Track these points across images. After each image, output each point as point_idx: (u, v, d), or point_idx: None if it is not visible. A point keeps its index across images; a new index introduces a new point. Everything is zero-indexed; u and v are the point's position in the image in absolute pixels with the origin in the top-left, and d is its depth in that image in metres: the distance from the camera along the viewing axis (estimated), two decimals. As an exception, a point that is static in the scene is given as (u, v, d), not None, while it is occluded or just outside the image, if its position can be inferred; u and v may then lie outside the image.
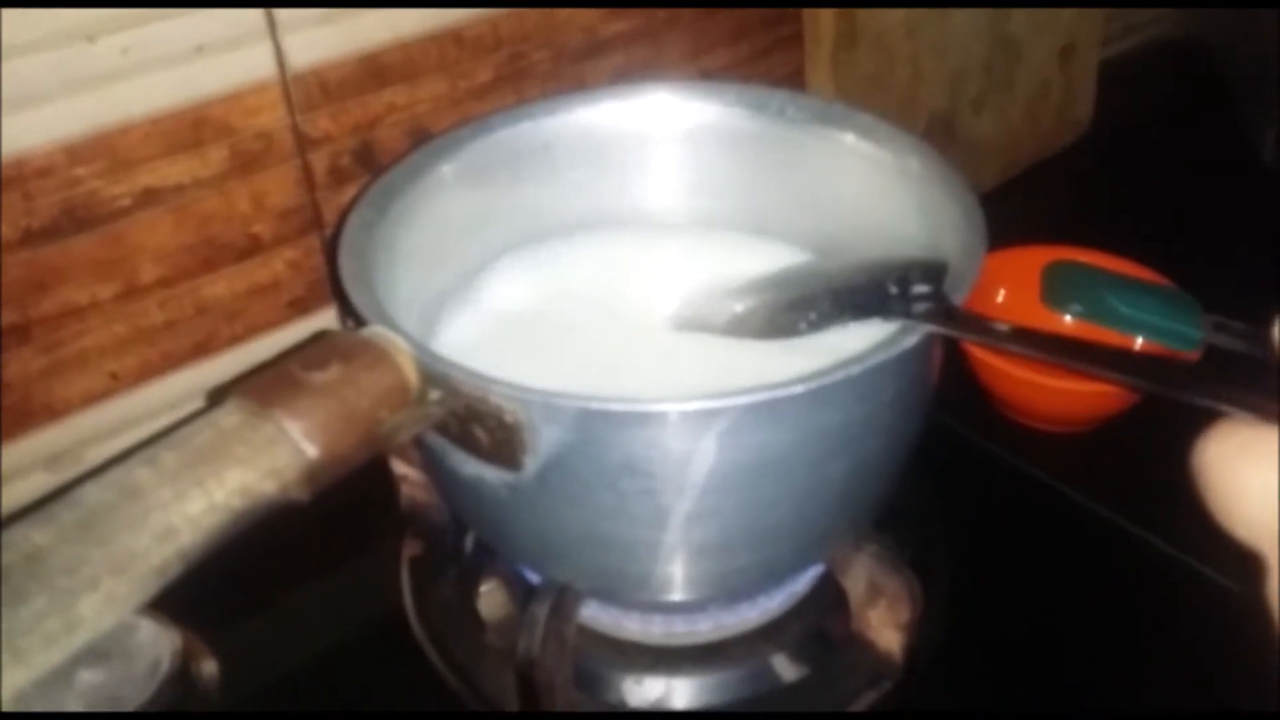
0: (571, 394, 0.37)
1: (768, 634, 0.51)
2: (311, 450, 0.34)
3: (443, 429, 0.40)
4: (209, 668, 0.50)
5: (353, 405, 0.35)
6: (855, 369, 0.37)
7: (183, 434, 0.33)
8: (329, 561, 0.57)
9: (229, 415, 0.34)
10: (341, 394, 0.35)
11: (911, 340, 0.39)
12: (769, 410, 0.37)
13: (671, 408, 0.37)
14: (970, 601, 0.53)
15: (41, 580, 0.29)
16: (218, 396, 0.35)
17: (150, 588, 0.31)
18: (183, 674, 0.48)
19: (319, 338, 0.37)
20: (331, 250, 0.47)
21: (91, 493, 0.31)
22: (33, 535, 0.29)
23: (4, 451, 0.55)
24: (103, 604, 0.30)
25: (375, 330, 0.38)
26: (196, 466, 0.32)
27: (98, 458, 0.59)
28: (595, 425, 0.38)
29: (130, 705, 0.45)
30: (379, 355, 0.36)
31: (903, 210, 0.49)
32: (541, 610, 0.45)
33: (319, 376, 0.35)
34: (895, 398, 0.42)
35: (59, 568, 0.29)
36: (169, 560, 0.31)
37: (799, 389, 0.37)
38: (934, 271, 0.42)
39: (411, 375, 0.37)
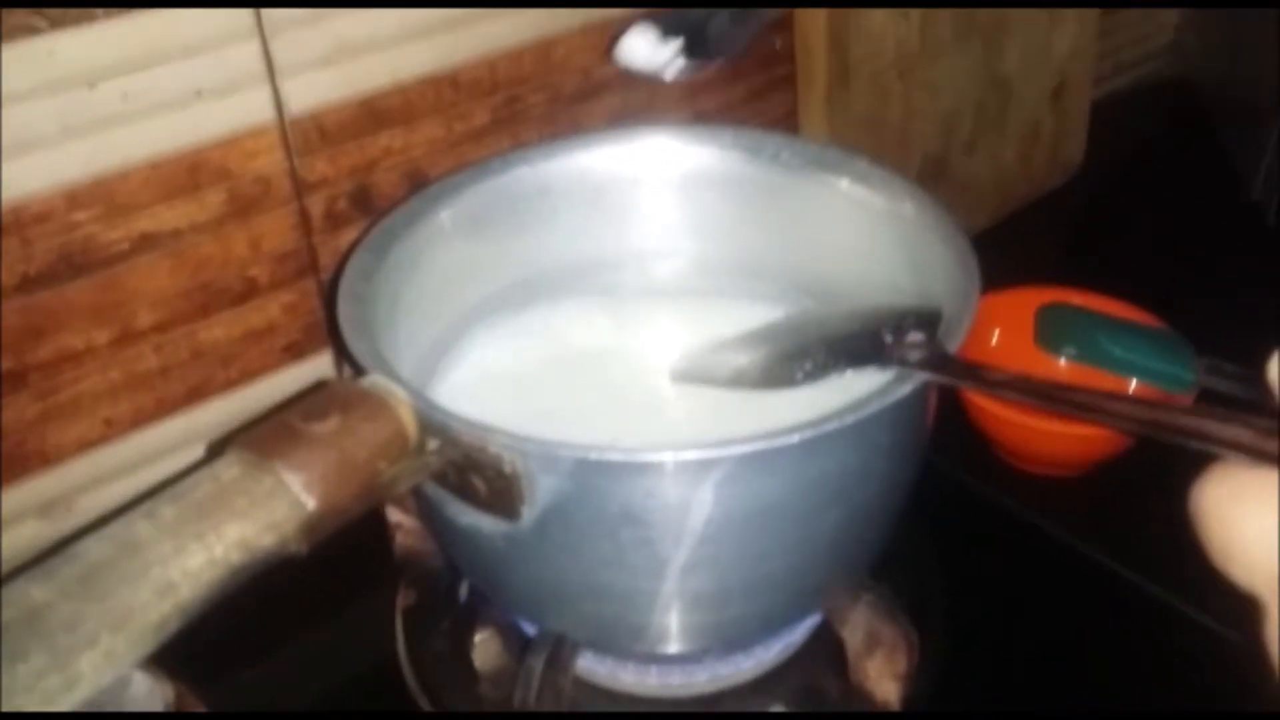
0: (570, 444, 0.37)
1: (764, 685, 0.51)
2: (311, 502, 0.34)
3: (441, 479, 0.40)
4: (202, 718, 0.50)
5: (352, 456, 0.35)
6: (850, 418, 0.37)
7: (182, 487, 0.33)
8: (323, 610, 0.57)
9: (229, 467, 0.34)
10: (341, 445, 0.35)
11: (906, 389, 0.39)
12: (765, 459, 0.38)
13: (669, 457, 0.37)
14: (967, 649, 0.52)
15: (41, 637, 0.28)
16: (217, 448, 0.35)
17: (149, 643, 0.31)
18: (176, 724, 0.47)
19: (318, 388, 0.37)
20: (330, 295, 0.47)
21: (91, 547, 0.31)
22: (32, 591, 0.29)
23: (-2, 498, 0.55)
24: (101, 660, 0.29)
25: (374, 380, 0.38)
26: (196, 520, 0.32)
27: (91, 505, 0.58)
28: (593, 475, 0.38)
29: (123, 757, 0.44)
30: (378, 406, 0.36)
31: (897, 255, 0.49)
32: (537, 662, 0.45)
33: (318, 428, 0.35)
34: (890, 445, 0.42)
35: (58, 624, 0.29)
36: (168, 615, 0.31)
37: (795, 438, 0.37)
38: (928, 319, 0.42)
39: (411, 426, 0.37)
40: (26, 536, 0.57)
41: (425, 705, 0.52)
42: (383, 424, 0.36)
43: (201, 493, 0.33)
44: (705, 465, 0.37)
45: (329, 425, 0.35)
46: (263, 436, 0.34)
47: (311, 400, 0.36)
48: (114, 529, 0.31)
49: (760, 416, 0.40)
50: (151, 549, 0.31)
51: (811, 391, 0.42)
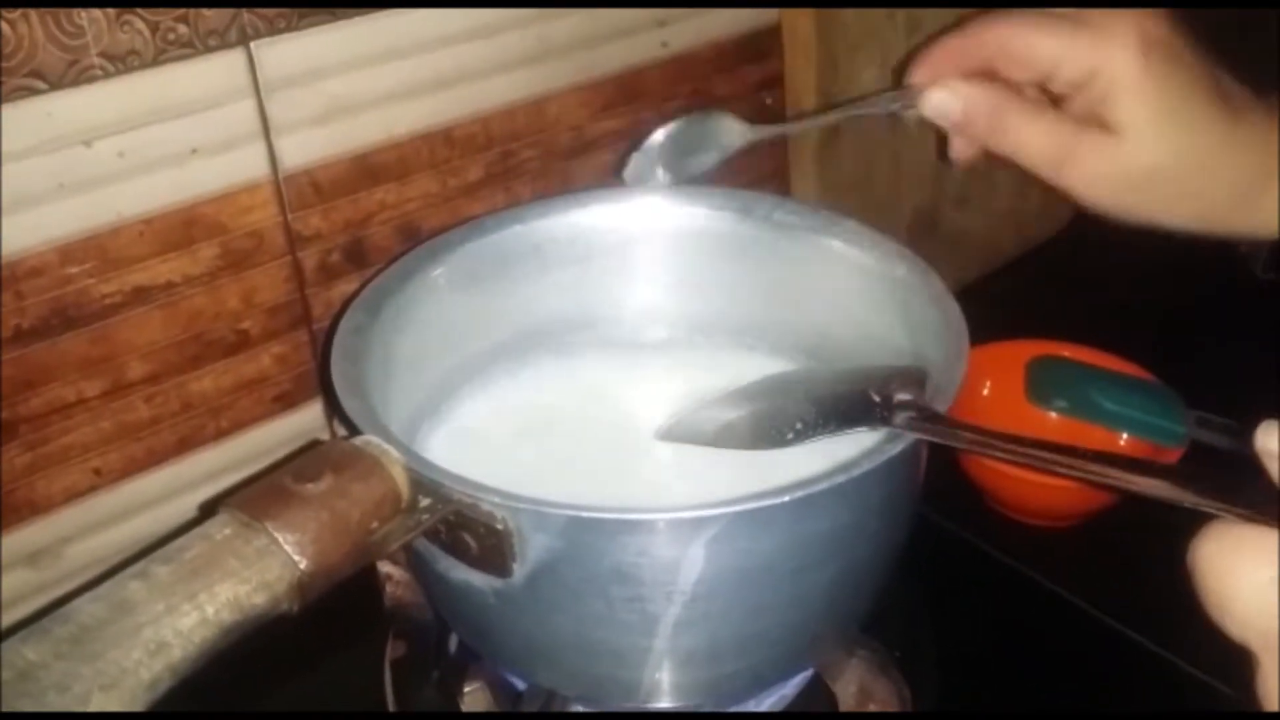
0: (561, 502, 0.38)
1: (770, 711, 0.51)
2: (303, 562, 0.34)
3: (432, 535, 0.40)
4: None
5: (344, 516, 0.35)
6: (841, 478, 0.38)
7: (175, 547, 0.33)
8: (312, 661, 0.56)
9: (221, 528, 0.34)
10: (333, 505, 0.35)
11: (896, 448, 0.40)
12: (756, 519, 0.38)
13: (660, 516, 0.38)
14: (959, 702, 0.52)
15: (34, 698, 0.29)
16: (210, 508, 0.35)
17: (140, 703, 0.31)
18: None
19: (311, 447, 0.37)
20: (325, 349, 0.47)
21: (84, 607, 0.31)
22: (26, 652, 0.29)
23: (-14, 548, 0.55)
24: (93, 722, 0.29)
25: (367, 440, 0.38)
26: (189, 580, 0.32)
27: (80, 554, 0.58)
28: (584, 533, 0.39)
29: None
30: (371, 465, 0.37)
31: (888, 315, 0.50)
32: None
33: (311, 488, 0.35)
34: (882, 504, 0.42)
35: (51, 685, 0.29)
36: (159, 675, 0.31)
37: (785, 498, 0.37)
38: (915, 379, 0.43)
39: (403, 485, 0.37)
40: (15, 585, 0.56)
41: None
42: (375, 484, 0.36)
43: (194, 553, 0.33)
44: (697, 524, 0.38)
45: (321, 485, 0.35)
46: (255, 497, 0.35)
47: (304, 460, 0.36)
48: (106, 589, 0.31)
49: (750, 471, 0.41)
50: (144, 609, 0.31)
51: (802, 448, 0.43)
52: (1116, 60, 0.43)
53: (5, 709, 0.28)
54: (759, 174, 0.79)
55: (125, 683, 0.30)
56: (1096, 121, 0.44)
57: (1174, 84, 0.43)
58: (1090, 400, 0.65)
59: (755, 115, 0.76)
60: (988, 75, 0.48)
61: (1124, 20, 0.44)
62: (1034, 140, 0.46)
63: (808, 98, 0.76)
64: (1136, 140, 0.43)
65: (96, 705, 0.30)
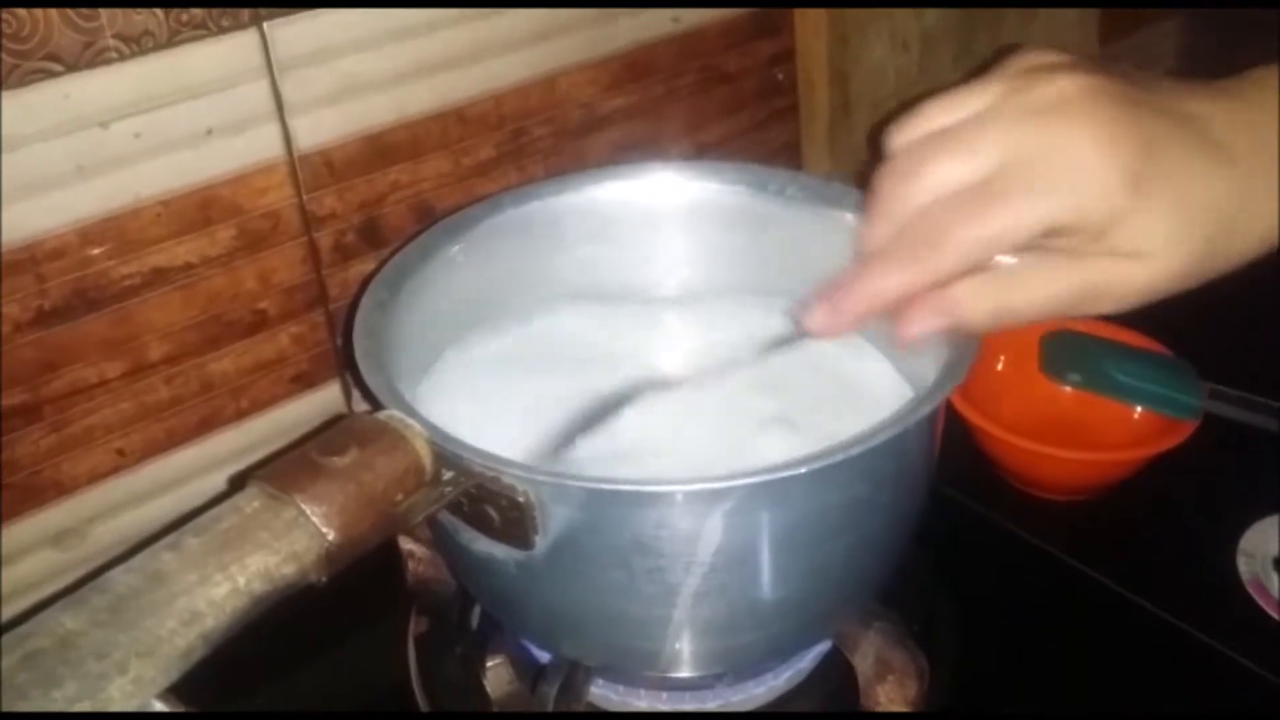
0: (582, 475, 0.38)
1: (775, 711, 0.51)
2: (330, 534, 0.34)
3: (455, 508, 0.40)
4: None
5: (370, 489, 0.36)
6: (857, 449, 0.38)
7: (206, 519, 0.34)
8: (337, 637, 0.57)
9: (251, 500, 0.34)
10: (359, 478, 0.35)
11: (912, 419, 0.40)
12: (774, 490, 0.38)
13: (679, 488, 0.38)
14: (977, 674, 0.53)
15: (73, 665, 0.29)
16: (239, 481, 0.36)
17: (175, 670, 0.32)
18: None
19: (336, 422, 0.38)
20: (346, 327, 0.48)
21: (120, 578, 0.32)
22: (64, 620, 0.30)
23: (12, 529, 0.56)
24: (131, 687, 0.30)
25: (390, 414, 0.39)
26: (220, 551, 0.33)
27: (104, 534, 0.59)
28: (605, 505, 0.39)
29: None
30: (395, 439, 0.37)
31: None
32: (551, 689, 0.45)
33: (337, 461, 0.35)
34: (898, 475, 0.42)
35: (90, 652, 0.30)
36: (194, 643, 0.32)
37: (802, 469, 0.37)
38: None
39: (426, 458, 0.38)
40: (41, 566, 0.57)
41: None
42: (399, 457, 0.37)
43: (225, 525, 0.33)
44: (715, 496, 0.38)
45: (347, 459, 0.35)
46: (283, 470, 0.35)
47: (330, 434, 0.37)
48: (141, 560, 0.32)
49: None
50: (177, 579, 0.32)
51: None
52: (1108, 204, 0.37)
53: (47, 675, 0.29)
54: (771, 148, 0.79)
55: (160, 650, 0.31)
56: (1102, 252, 0.39)
57: (1175, 183, 0.38)
58: (1104, 373, 0.65)
59: (767, 90, 0.77)
60: None
61: (1089, 156, 0.37)
62: (1050, 304, 0.40)
63: (819, 73, 0.76)
64: (1162, 255, 0.38)
65: (134, 672, 0.30)
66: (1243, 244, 0.40)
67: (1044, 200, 0.37)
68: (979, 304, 0.39)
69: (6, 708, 0.28)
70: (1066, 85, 0.38)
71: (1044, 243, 0.39)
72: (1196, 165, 0.38)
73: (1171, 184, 0.38)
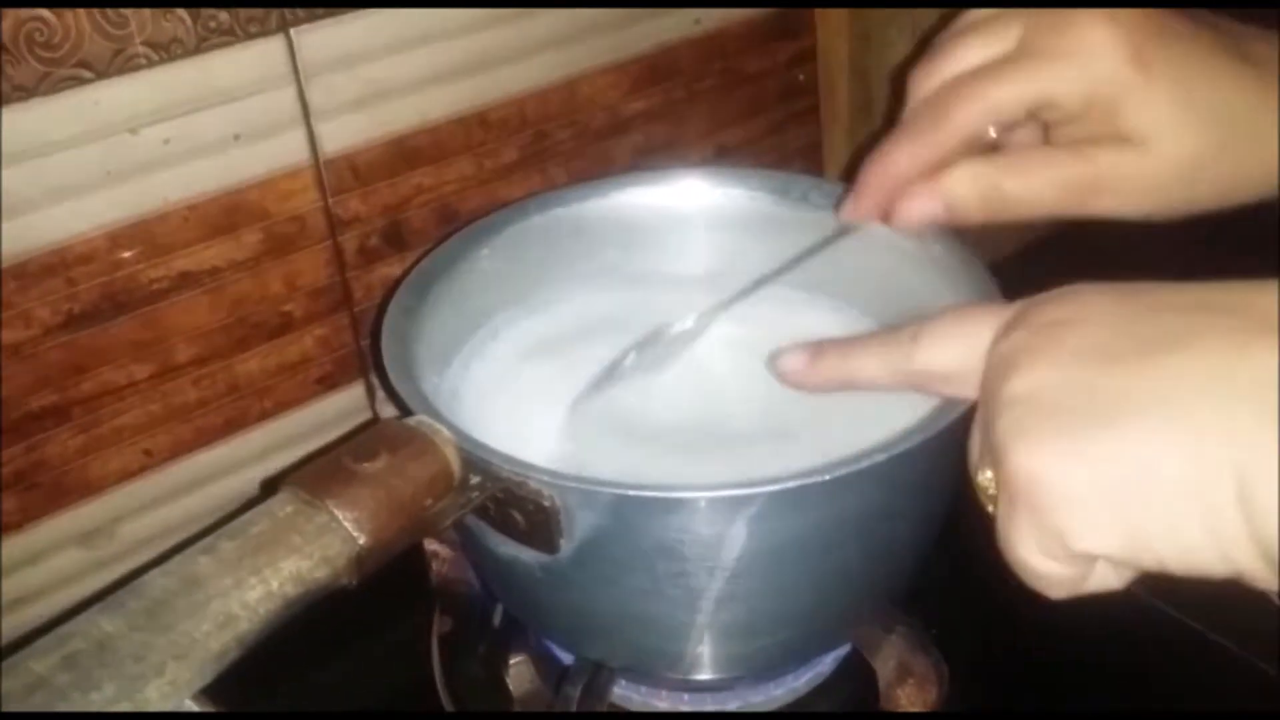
0: (607, 481, 0.39)
1: (795, 712, 0.52)
2: (362, 538, 0.35)
3: (482, 512, 0.41)
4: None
5: (400, 494, 0.36)
6: (882, 456, 0.38)
7: (240, 523, 0.34)
8: (361, 635, 0.58)
9: (284, 505, 0.35)
10: (389, 483, 0.36)
11: (937, 427, 0.40)
12: (797, 496, 0.39)
13: (703, 495, 0.38)
14: (997, 680, 0.53)
15: (112, 668, 0.30)
16: (271, 486, 0.36)
17: (210, 672, 0.32)
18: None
19: (367, 428, 0.38)
20: (374, 333, 0.48)
21: (156, 581, 0.32)
22: (102, 623, 0.31)
23: (41, 527, 0.56)
24: (168, 688, 0.31)
25: (420, 419, 0.39)
26: (254, 555, 0.33)
27: (131, 533, 0.60)
28: (629, 511, 0.39)
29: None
30: (424, 445, 0.38)
31: (925, 294, 0.50)
32: (574, 689, 0.46)
33: (368, 467, 0.36)
34: (923, 482, 0.43)
35: (128, 655, 0.30)
36: (228, 645, 0.32)
37: (825, 477, 0.38)
38: None
39: (454, 464, 0.38)
40: (69, 565, 0.58)
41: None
42: (428, 462, 0.37)
43: (258, 529, 0.34)
44: (738, 502, 0.38)
45: (378, 464, 0.36)
46: (315, 475, 0.36)
47: (360, 440, 0.37)
48: (177, 564, 0.33)
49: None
50: (213, 583, 0.32)
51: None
52: (1112, 79, 0.38)
53: (85, 676, 0.30)
54: (792, 149, 0.79)
55: (195, 653, 0.32)
56: (1107, 139, 0.40)
57: (1184, 70, 0.39)
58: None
59: (789, 92, 0.77)
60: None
61: (1099, 31, 0.39)
62: (1046, 192, 0.41)
63: (840, 73, 0.76)
64: (1164, 141, 0.39)
65: (171, 674, 0.31)
66: (1256, 159, 0.40)
67: (1048, 68, 0.39)
68: (971, 187, 0.41)
69: (46, 708, 0.29)
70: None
71: (1049, 124, 0.40)
72: (1212, 59, 0.39)
73: (1181, 69, 0.38)
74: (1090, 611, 0.58)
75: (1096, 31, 0.38)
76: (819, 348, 0.41)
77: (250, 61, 0.54)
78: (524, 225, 0.55)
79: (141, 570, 0.33)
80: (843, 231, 0.48)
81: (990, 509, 0.33)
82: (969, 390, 0.35)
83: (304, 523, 0.34)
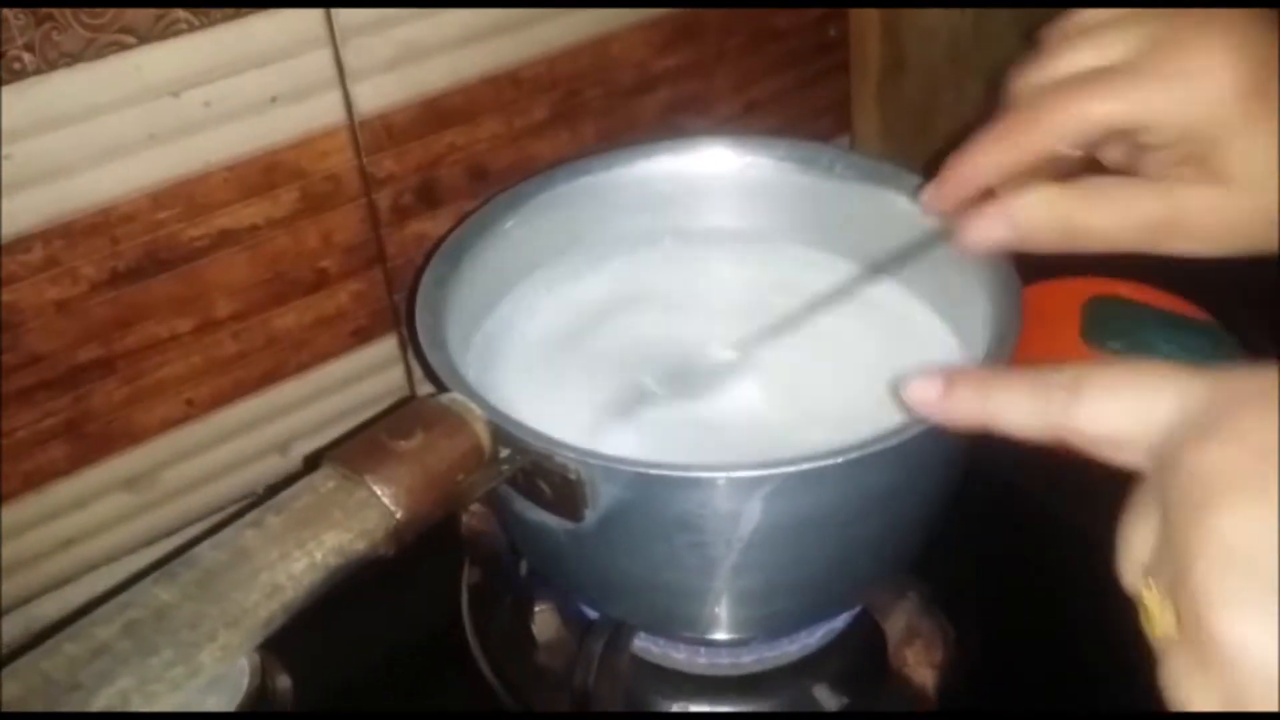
0: (630, 459, 0.40)
1: (807, 667, 0.54)
2: (399, 512, 0.37)
3: (511, 482, 0.43)
4: (283, 682, 0.54)
5: (434, 469, 0.38)
6: (894, 440, 0.40)
7: (285, 497, 0.36)
8: (395, 584, 0.60)
9: (325, 481, 0.37)
10: (424, 459, 0.38)
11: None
12: (811, 476, 0.40)
13: (721, 474, 0.40)
14: (1002, 642, 0.55)
15: (169, 635, 0.32)
16: (313, 462, 0.38)
17: (258, 637, 0.35)
18: (261, 690, 0.51)
19: (403, 405, 0.40)
20: (410, 294, 0.50)
21: (207, 553, 0.35)
22: (159, 593, 0.33)
23: (89, 474, 0.59)
24: (220, 653, 0.33)
25: (453, 397, 0.41)
26: (299, 529, 0.35)
27: (174, 479, 0.62)
28: (651, 486, 0.41)
29: None
30: (457, 422, 0.40)
31: (946, 267, 0.51)
32: (597, 644, 0.48)
33: (404, 444, 0.38)
34: (932, 462, 0.44)
35: (183, 623, 0.33)
36: (274, 614, 0.35)
37: (839, 459, 0.39)
38: None
39: (486, 439, 0.40)
40: (115, 508, 0.61)
41: (487, 669, 0.56)
42: (461, 439, 0.39)
43: (302, 504, 0.36)
44: (755, 481, 0.40)
45: (414, 442, 0.38)
46: (355, 452, 0.38)
47: (397, 418, 0.39)
48: (226, 536, 0.35)
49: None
50: (260, 555, 0.35)
51: None
52: (1213, 115, 0.36)
53: (144, 643, 0.32)
54: (819, 107, 0.79)
55: (245, 621, 0.34)
56: (1193, 175, 0.38)
57: None
58: (1146, 341, 0.65)
59: (818, 48, 0.77)
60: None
61: (1218, 56, 0.36)
62: (1123, 230, 0.39)
63: (871, 30, 0.76)
64: (1254, 186, 0.37)
65: (222, 640, 0.33)
66: None
67: (1151, 89, 0.36)
68: (1045, 213, 0.39)
69: (110, 672, 0.32)
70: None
71: (1141, 147, 0.38)
72: None
73: None
74: (1099, 578, 0.59)
75: (1215, 56, 0.36)
76: (951, 379, 0.36)
77: (287, 25, 0.55)
78: (551, 194, 0.56)
79: (183, 522, 0.35)
80: (929, 240, 0.47)
81: (1151, 632, 0.30)
82: (1136, 459, 0.31)
83: (344, 498, 0.36)
